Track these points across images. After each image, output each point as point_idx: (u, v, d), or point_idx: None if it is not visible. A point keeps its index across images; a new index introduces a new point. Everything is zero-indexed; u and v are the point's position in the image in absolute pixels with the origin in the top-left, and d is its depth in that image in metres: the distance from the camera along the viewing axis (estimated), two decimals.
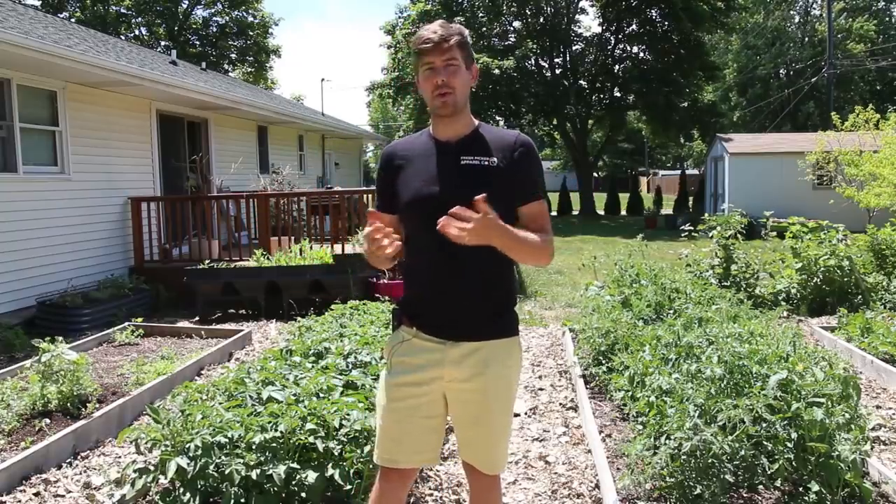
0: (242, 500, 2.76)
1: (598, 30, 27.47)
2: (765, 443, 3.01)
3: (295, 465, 2.82)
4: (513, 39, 26.74)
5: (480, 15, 25.39)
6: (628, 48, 26.90)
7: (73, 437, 3.91)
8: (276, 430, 2.92)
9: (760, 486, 3.08)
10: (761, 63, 40.55)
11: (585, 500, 3.28)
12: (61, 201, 7.97)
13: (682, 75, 24.69)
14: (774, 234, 8.50)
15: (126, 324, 6.90)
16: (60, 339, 4.59)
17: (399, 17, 27.84)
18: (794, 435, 3.01)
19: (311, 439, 2.89)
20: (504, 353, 2.06)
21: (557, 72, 26.55)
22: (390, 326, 2.21)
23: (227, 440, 2.89)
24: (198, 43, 33.64)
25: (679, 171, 38.15)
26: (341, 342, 4.31)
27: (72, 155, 8.17)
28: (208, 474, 2.80)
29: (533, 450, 3.88)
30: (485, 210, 1.78)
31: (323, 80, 63.41)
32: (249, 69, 35.50)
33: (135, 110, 9.51)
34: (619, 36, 26.51)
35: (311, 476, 2.77)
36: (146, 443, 3.06)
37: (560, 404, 4.66)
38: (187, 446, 2.85)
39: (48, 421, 4.14)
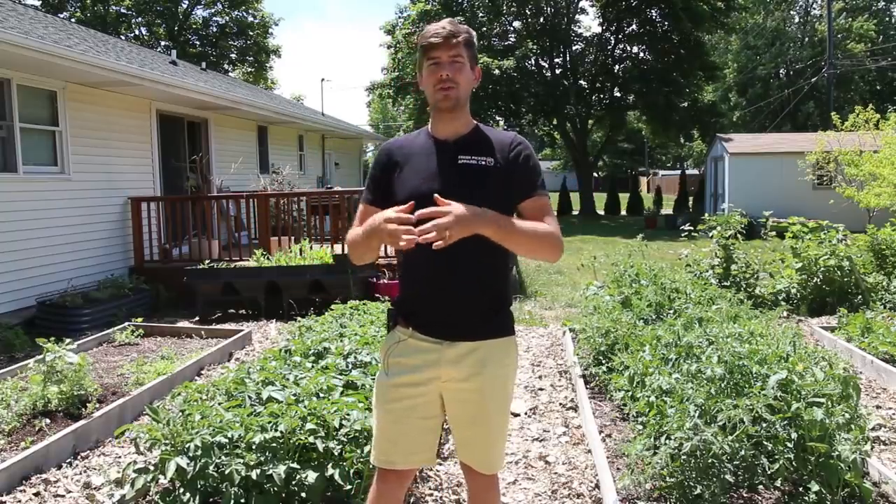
0: (242, 500, 2.76)
1: (598, 30, 27.50)
2: (765, 443, 3.01)
3: (295, 465, 2.82)
4: (513, 39, 26.76)
5: (480, 15, 25.39)
6: (628, 48, 26.92)
7: (73, 437, 3.91)
8: (276, 430, 2.92)
9: (760, 486, 3.08)
10: (761, 63, 40.55)
11: (585, 500, 3.28)
12: (61, 201, 7.97)
13: (682, 75, 24.70)
14: (774, 234, 8.50)
15: (126, 324, 6.90)
16: (69, 340, 4.60)
17: (399, 17, 27.88)
18: (794, 435, 3.01)
19: (311, 439, 2.89)
20: (501, 352, 2.06)
21: (557, 72, 26.55)
22: (385, 327, 2.20)
23: (226, 440, 2.89)
24: (198, 43, 33.64)
25: (679, 171, 38.17)
26: (341, 342, 4.31)
27: (72, 155, 8.17)
28: (208, 474, 2.80)
29: (533, 450, 3.88)
30: (443, 203, 1.78)
31: (323, 80, 63.48)
32: (249, 69, 35.50)
33: (135, 110, 9.51)
34: (619, 36, 26.52)
35: (311, 476, 2.77)
36: (146, 442, 3.06)
37: (560, 404, 4.66)
38: (187, 446, 2.85)
39: (48, 421, 4.14)
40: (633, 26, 26.19)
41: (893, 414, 4.34)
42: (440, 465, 3.61)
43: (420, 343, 2.04)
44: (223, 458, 2.84)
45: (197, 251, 9.08)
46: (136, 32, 32.59)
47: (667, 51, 24.87)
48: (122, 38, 26.48)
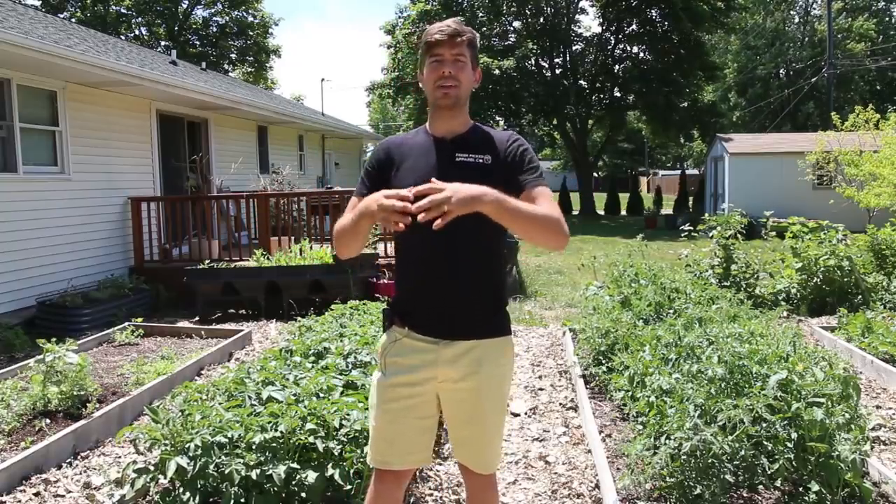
0: (242, 500, 2.76)
1: (598, 30, 27.52)
2: (765, 443, 3.01)
3: (295, 465, 2.82)
4: (513, 39, 26.77)
5: (480, 15, 25.39)
6: (628, 48, 26.92)
7: (73, 437, 3.91)
8: (276, 430, 2.92)
9: (760, 486, 3.08)
10: (761, 63, 40.56)
11: (585, 500, 3.28)
12: (61, 201, 7.96)
13: (682, 75, 24.71)
14: (774, 234, 8.50)
15: (126, 324, 6.90)
16: (71, 340, 4.59)
17: (399, 17, 27.89)
18: (794, 435, 3.01)
19: (311, 439, 2.89)
20: (497, 352, 2.06)
21: (557, 72, 26.56)
22: (381, 327, 2.19)
23: (226, 440, 2.89)
24: (198, 43, 33.64)
25: (679, 171, 38.17)
26: (341, 342, 4.31)
27: (72, 155, 8.17)
28: (208, 474, 2.80)
29: (533, 450, 3.88)
30: (433, 180, 1.75)
31: (323, 80, 63.44)
32: (249, 69, 35.50)
33: (135, 110, 9.51)
34: (619, 36, 26.53)
35: (311, 476, 2.77)
36: (145, 442, 3.06)
37: (560, 404, 4.65)
38: (187, 446, 2.85)
39: (48, 421, 4.14)
40: (633, 26, 26.20)
41: (893, 414, 4.34)
42: (440, 465, 3.61)
43: (416, 343, 2.03)
44: (223, 458, 2.84)
45: (197, 251, 9.08)
46: (136, 32, 32.59)
47: (667, 51, 24.87)
48: (122, 38, 26.48)
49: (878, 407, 4.46)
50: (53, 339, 4.54)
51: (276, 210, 9.44)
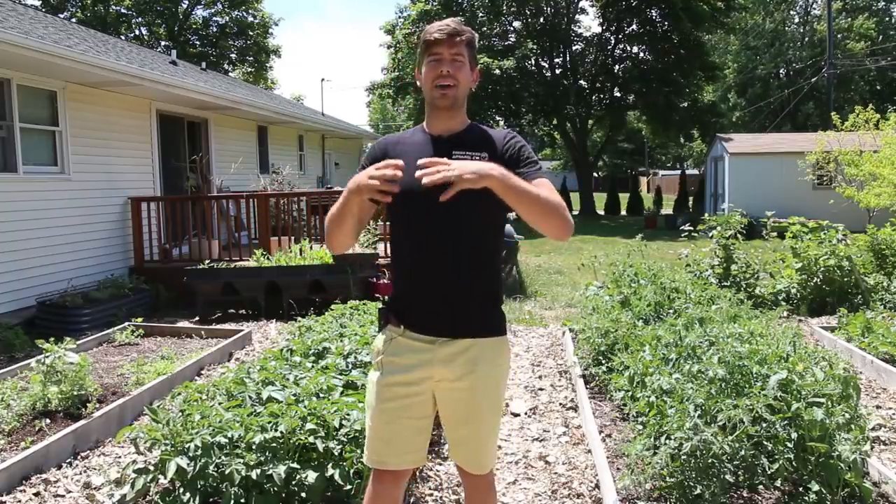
0: (242, 500, 2.76)
1: (598, 30, 27.52)
2: (765, 443, 3.01)
3: (295, 465, 2.82)
4: (513, 39, 26.76)
5: (480, 15, 25.39)
6: (628, 48, 26.93)
7: (73, 437, 3.91)
8: (276, 430, 2.92)
9: (760, 486, 3.08)
10: (761, 63, 40.55)
11: (585, 500, 3.28)
12: (61, 201, 7.96)
13: (682, 75, 24.71)
14: (774, 234, 8.50)
15: (126, 324, 6.90)
16: (69, 339, 4.60)
17: (399, 17, 27.90)
18: (794, 435, 3.01)
19: (311, 439, 2.89)
20: (494, 351, 2.05)
21: (557, 72, 26.56)
22: (377, 326, 2.19)
23: (226, 440, 2.89)
24: (198, 43, 33.64)
25: (679, 171, 38.17)
26: (341, 342, 4.31)
27: (72, 155, 8.17)
28: (208, 474, 2.80)
29: (533, 450, 3.88)
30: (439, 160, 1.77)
31: (323, 80, 63.51)
32: (249, 69, 35.50)
33: (135, 110, 9.51)
34: (619, 36, 26.53)
35: (311, 476, 2.77)
36: (145, 443, 3.06)
37: (560, 404, 4.65)
38: (187, 446, 2.85)
39: (48, 421, 4.14)
40: (633, 26, 26.20)
41: (893, 414, 4.34)
42: (440, 465, 3.61)
43: (412, 342, 2.03)
44: (223, 458, 2.84)
45: (197, 251, 9.08)
46: (136, 32, 32.59)
47: (667, 51, 24.87)
48: (123, 38, 26.47)
49: (878, 407, 4.46)
50: (53, 339, 4.54)
51: (276, 210, 9.44)
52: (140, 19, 32.38)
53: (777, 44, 40.70)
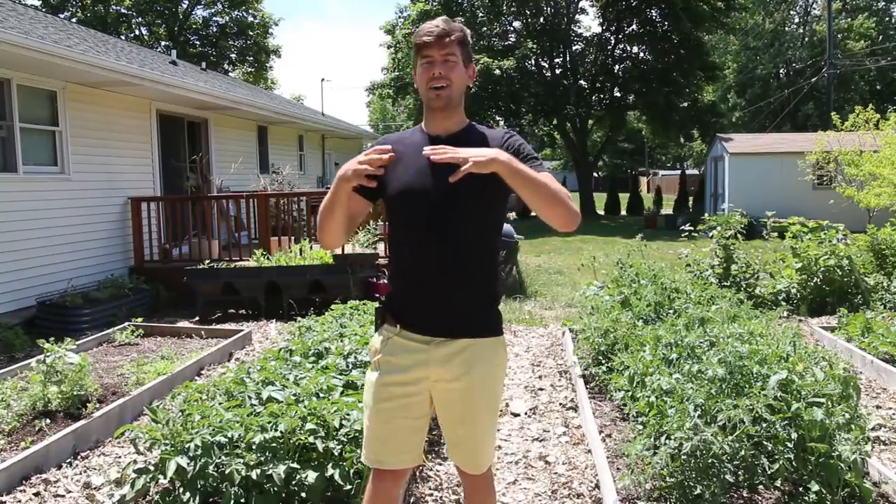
0: (242, 500, 2.76)
1: (598, 30, 27.52)
2: (765, 443, 3.01)
3: (295, 465, 2.82)
4: (513, 39, 26.75)
5: (480, 15, 25.40)
6: (628, 48, 26.93)
7: (73, 437, 3.91)
8: (276, 430, 2.92)
9: (760, 486, 3.08)
10: (761, 63, 40.55)
11: (585, 500, 3.28)
12: (61, 201, 7.96)
13: (682, 75, 24.70)
14: (774, 234, 8.50)
15: (126, 324, 6.90)
16: (69, 339, 4.60)
17: (399, 17, 27.90)
18: (794, 435, 3.01)
19: (311, 439, 2.89)
20: (490, 352, 2.05)
21: (557, 72, 26.56)
22: (374, 325, 2.19)
23: (226, 440, 2.89)
24: (198, 43, 33.64)
25: (679, 171, 38.17)
26: (341, 342, 4.31)
27: (72, 155, 8.17)
28: (208, 474, 2.80)
29: (533, 450, 3.88)
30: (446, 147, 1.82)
31: (323, 80, 63.56)
32: (249, 69, 35.50)
33: (135, 110, 9.51)
34: (619, 36, 26.53)
35: (311, 476, 2.77)
36: (146, 442, 3.06)
37: (560, 404, 4.65)
38: (187, 446, 2.85)
39: (48, 421, 4.14)
40: (633, 26, 26.20)
41: (893, 414, 4.34)
42: (440, 465, 3.61)
43: (408, 343, 2.03)
44: (223, 457, 2.84)
45: (197, 251, 9.08)
46: (137, 33, 32.59)
47: (667, 51, 24.87)
48: (123, 38, 26.48)
49: (878, 407, 4.46)
50: (53, 339, 4.54)
51: (276, 210, 9.44)
52: (140, 19, 32.38)
53: (777, 44, 40.70)
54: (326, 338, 4.45)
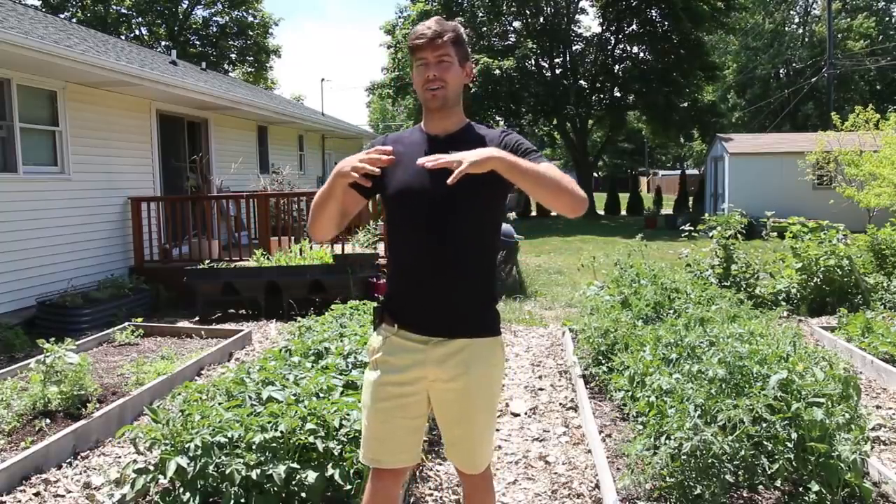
0: (242, 500, 2.76)
1: (598, 30, 27.54)
2: (765, 443, 3.01)
3: (295, 465, 2.82)
4: (513, 39, 26.76)
5: (480, 15, 25.40)
6: (628, 48, 26.94)
7: (73, 437, 3.91)
8: (276, 430, 2.92)
9: (760, 486, 3.08)
10: (761, 63, 40.56)
11: (585, 500, 3.28)
12: (61, 201, 7.96)
13: (682, 75, 24.71)
14: (774, 234, 8.50)
15: (126, 324, 6.90)
16: (69, 340, 4.60)
17: (399, 17, 27.92)
18: (794, 435, 3.01)
19: (311, 439, 2.89)
20: (487, 352, 2.05)
21: (557, 72, 26.56)
22: (372, 324, 2.19)
23: (226, 440, 2.89)
24: (198, 43, 33.64)
25: (679, 171, 38.17)
26: (341, 342, 4.31)
27: (72, 155, 8.17)
28: (208, 474, 2.80)
29: (533, 450, 3.88)
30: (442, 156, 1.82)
31: (323, 80, 63.59)
32: (249, 69, 35.50)
33: (135, 110, 9.51)
34: (619, 36, 26.54)
35: (311, 476, 2.77)
36: (145, 442, 3.06)
37: (560, 404, 4.65)
38: (187, 446, 2.85)
39: (48, 421, 4.14)
40: (633, 26, 26.22)
41: (893, 414, 4.34)
42: (440, 465, 3.61)
43: (405, 342, 2.03)
44: (223, 457, 2.83)
45: (197, 251, 9.08)
46: (137, 33, 32.59)
47: (667, 51, 24.88)
48: (123, 38, 26.48)
49: (878, 407, 4.46)
50: (53, 339, 4.54)
51: (276, 210, 9.44)
52: (140, 19, 32.37)
53: (777, 44, 40.70)
54: (326, 338, 4.45)
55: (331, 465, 2.85)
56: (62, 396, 4.28)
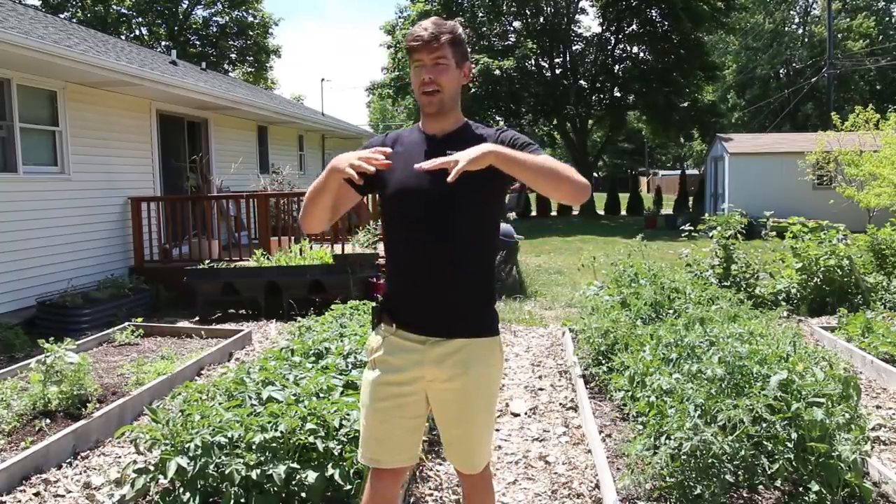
0: (242, 500, 2.76)
1: (598, 30, 27.54)
2: (765, 443, 3.01)
3: (295, 465, 2.82)
4: (513, 39, 26.76)
5: (480, 15, 25.40)
6: (628, 48, 26.94)
7: (73, 437, 3.91)
8: (276, 430, 2.92)
9: (760, 486, 3.08)
10: (760, 63, 40.56)
11: (585, 500, 3.28)
12: (61, 201, 7.96)
13: (682, 75, 24.71)
14: (774, 234, 8.50)
15: (126, 324, 6.90)
16: (69, 340, 4.60)
17: (399, 17, 27.91)
18: (794, 435, 3.01)
19: (311, 439, 2.89)
20: (486, 351, 2.05)
21: (557, 72, 26.56)
22: (371, 324, 2.18)
23: (226, 440, 2.89)
24: (198, 43, 33.64)
25: (679, 171, 38.16)
26: (341, 342, 4.31)
27: (72, 155, 8.17)
28: (208, 474, 2.80)
29: (533, 450, 3.88)
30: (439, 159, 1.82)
31: (323, 80, 63.59)
32: (249, 69, 35.50)
33: (135, 110, 9.51)
34: (619, 36, 26.54)
35: (311, 476, 2.77)
36: (146, 442, 3.06)
37: (560, 404, 4.65)
38: (187, 446, 2.85)
39: (48, 421, 4.14)
40: (633, 26, 26.22)
41: (893, 414, 4.34)
42: (440, 465, 3.61)
43: (404, 342, 2.03)
44: (223, 458, 2.83)
45: (197, 251, 9.08)
46: (137, 33, 32.59)
47: (667, 51, 24.88)
48: (123, 38, 26.47)
49: (878, 407, 4.46)
50: (53, 339, 4.54)
51: (276, 210, 9.44)
52: (140, 19, 32.37)
53: (776, 44, 40.70)
54: (326, 338, 4.45)
55: (331, 465, 2.85)
56: (62, 396, 4.28)
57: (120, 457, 3.89)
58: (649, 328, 4.64)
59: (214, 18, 34.03)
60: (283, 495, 2.82)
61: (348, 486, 2.83)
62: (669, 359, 3.90)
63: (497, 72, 22.95)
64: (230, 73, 32.72)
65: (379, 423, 2.04)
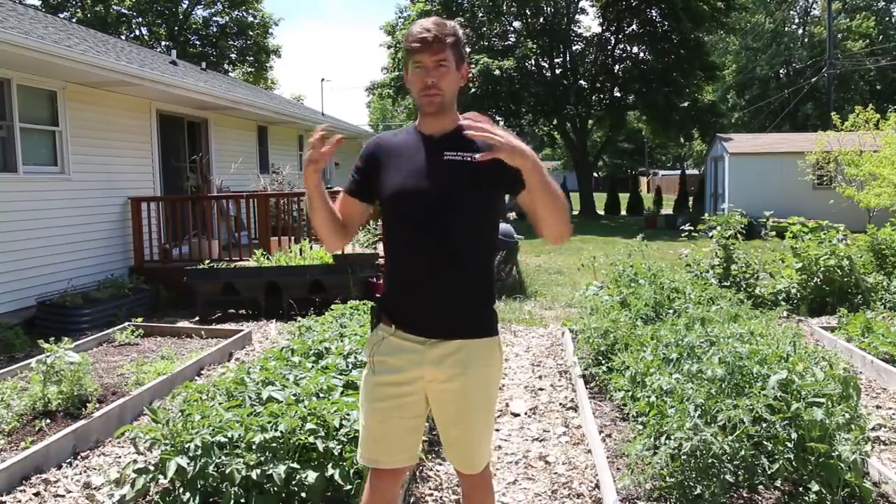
0: (242, 500, 2.76)
1: (598, 30, 27.53)
2: (765, 443, 3.01)
3: (295, 465, 2.82)
4: (513, 39, 26.76)
5: (480, 15, 25.39)
6: (628, 48, 26.94)
7: (73, 437, 3.91)
8: (276, 430, 2.92)
9: (760, 486, 3.08)
10: (760, 63, 40.56)
11: (585, 500, 3.28)
12: (61, 201, 7.96)
13: (682, 75, 24.71)
14: (774, 234, 8.51)
15: (126, 324, 6.90)
16: (68, 339, 4.60)
17: (399, 17, 27.90)
18: (794, 435, 3.01)
19: (311, 439, 2.89)
20: (486, 352, 2.04)
21: (557, 72, 26.56)
22: (370, 324, 2.19)
23: (226, 440, 2.89)
24: (198, 43, 33.64)
25: (679, 171, 38.16)
26: (341, 342, 4.31)
27: (72, 155, 8.16)
28: (208, 474, 2.80)
29: (533, 450, 3.88)
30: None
31: (323, 80, 63.67)
32: (249, 69, 35.50)
33: (135, 110, 9.51)
34: (619, 36, 26.53)
35: (311, 476, 2.77)
36: (146, 442, 3.06)
37: (560, 404, 4.65)
38: (187, 446, 2.85)
39: (48, 421, 4.14)
40: (633, 26, 26.21)
41: (893, 414, 4.34)
42: (440, 465, 3.61)
43: (403, 342, 2.03)
44: (223, 457, 2.84)
45: (197, 251, 9.08)
46: (137, 33, 32.59)
47: (667, 51, 24.88)
48: (123, 38, 26.47)
49: (878, 407, 4.46)
50: (53, 339, 4.53)
51: (276, 210, 9.44)
52: (140, 19, 32.38)
53: (776, 44, 40.69)
54: (326, 338, 4.45)
55: (331, 465, 2.85)
56: (62, 396, 4.28)
57: (120, 457, 3.89)
58: (649, 328, 4.64)
59: (214, 18, 34.06)
60: (283, 495, 2.82)
61: (348, 486, 2.83)
62: (669, 359, 3.91)
63: (497, 72, 22.95)
64: (230, 73, 32.72)
65: (378, 424, 2.04)
